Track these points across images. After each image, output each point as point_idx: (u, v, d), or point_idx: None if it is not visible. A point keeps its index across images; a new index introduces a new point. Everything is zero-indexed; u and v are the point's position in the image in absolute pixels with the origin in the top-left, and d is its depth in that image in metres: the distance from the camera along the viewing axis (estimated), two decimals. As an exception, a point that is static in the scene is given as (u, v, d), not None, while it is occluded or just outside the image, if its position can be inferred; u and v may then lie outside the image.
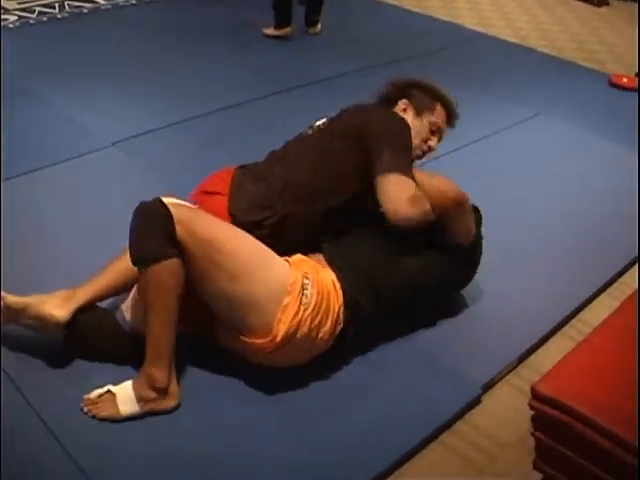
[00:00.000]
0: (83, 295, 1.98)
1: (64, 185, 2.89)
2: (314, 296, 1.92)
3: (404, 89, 2.34)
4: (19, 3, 4.83)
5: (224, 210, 2.08)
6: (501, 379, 2.16)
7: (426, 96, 2.32)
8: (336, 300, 1.98)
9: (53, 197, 2.82)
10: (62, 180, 2.91)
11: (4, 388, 1.92)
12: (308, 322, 1.91)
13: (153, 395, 1.87)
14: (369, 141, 2.11)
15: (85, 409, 1.87)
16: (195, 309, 1.92)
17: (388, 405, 2.01)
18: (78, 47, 4.22)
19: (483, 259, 2.31)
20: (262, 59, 4.25)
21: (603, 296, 2.54)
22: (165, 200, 1.88)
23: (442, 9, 5.52)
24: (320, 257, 2.10)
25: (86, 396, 1.88)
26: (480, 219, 2.30)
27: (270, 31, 4.53)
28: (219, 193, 2.14)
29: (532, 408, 1.67)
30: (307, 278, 1.94)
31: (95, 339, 2.01)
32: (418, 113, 2.29)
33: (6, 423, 1.82)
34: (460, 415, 2.02)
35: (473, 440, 1.96)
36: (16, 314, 1.96)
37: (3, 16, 4.56)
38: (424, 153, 2.30)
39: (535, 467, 1.74)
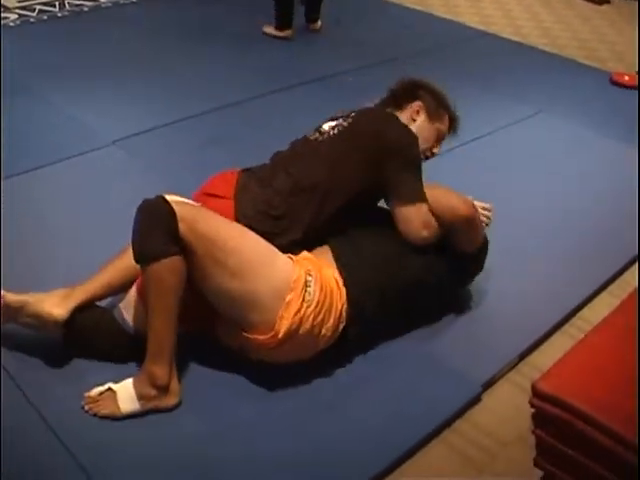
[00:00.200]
0: (82, 294, 1.98)
1: (65, 184, 2.89)
2: (317, 293, 1.92)
3: (416, 91, 2.33)
4: (19, 1, 4.83)
5: (228, 214, 2.05)
6: (502, 377, 2.16)
7: (437, 104, 2.33)
8: (339, 298, 1.99)
9: (54, 196, 2.82)
10: (63, 179, 2.91)
11: (4, 386, 1.92)
12: (310, 319, 1.91)
13: (154, 393, 1.87)
14: (386, 165, 2.12)
15: (86, 407, 1.87)
16: (196, 306, 1.92)
17: (389, 403, 2.01)
18: (78, 46, 4.22)
19: (484, 257, 2.32)
20: (262, 57, 4.24)
21: (604, 294, 2.54)
22: (168, 198, 1.87)
23: (443, 7, 5.52)
24: (325, 254, 2.10)
25: (86, 394, 1.89)
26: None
27: (270, 30, 4.52)
28: (223, 197, 2.13)
29: (533, 406, 1.67)
30: (310, 275, 1.94)
31: (94, 338, 2.01)
32: (430, 119, 2.31)
33: (6, 421, 1.82)
34: (461, 413, 2.02)
35: (474, 438, 1.96)
36: (15, 312, 1.96)
37: (3, 14, 4.55)
38: (427, 158, 2.32)
39: (536, 465, 1.74)
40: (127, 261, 1.98)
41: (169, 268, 1.81)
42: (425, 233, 2.12)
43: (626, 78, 4.26)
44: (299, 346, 1.95)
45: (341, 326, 2.00)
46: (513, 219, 2.79)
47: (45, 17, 4.65)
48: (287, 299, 1.88)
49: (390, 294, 2.08)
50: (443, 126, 2.34)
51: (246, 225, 2.01)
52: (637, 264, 2.70)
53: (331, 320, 1.96)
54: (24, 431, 1.82)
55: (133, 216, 1.88)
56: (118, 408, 1.86)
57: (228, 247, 1.87)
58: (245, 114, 3.52)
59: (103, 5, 4.89)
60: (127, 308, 1.99)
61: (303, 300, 1.90)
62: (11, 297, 1.96)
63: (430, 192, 2.14)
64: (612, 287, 2.58)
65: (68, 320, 1.94)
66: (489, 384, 2.12)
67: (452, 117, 2.36)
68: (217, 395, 1.97)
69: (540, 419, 1.68)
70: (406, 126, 2.23)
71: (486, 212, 2.31)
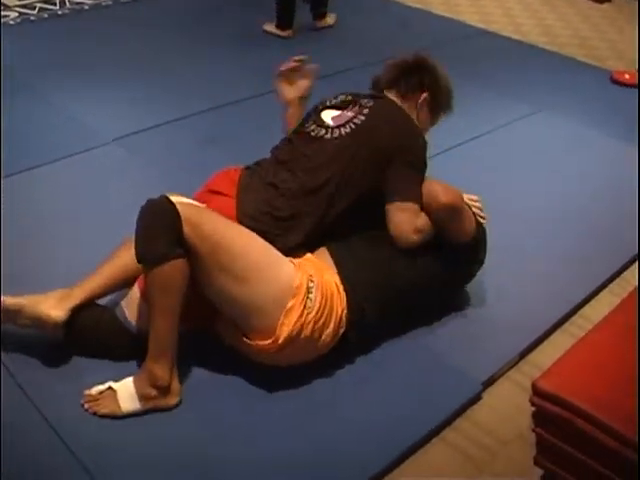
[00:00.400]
0: (80, 294, 1.97)
1: (65, 181, 2.89)
2: (318, 299, 1.92)
3: (423, 79, 2.29)
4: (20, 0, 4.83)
5: (231, 212, 2.05)
6: (502, 375, 2.16)
7: (443, 101, 2.32)
8: (339, 303, 1.99)
9: (53, 193, 2.82)
10: (63, 176, 2.91)
11: (4, 385, 1.92)
12: (311, 325, 1.91)
13: (154, 393, 1.87)
14: (392, 163, 2.11)
15: (86, 405, 1.87)
16: (198, 305, 1.91)
17: (389, 401, 2.01)
18: (79, 44, 4.21)
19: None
20: (262, 55, 4.23)
21: (604, 293, 2.54)
22: (173, 198, 1.85)
23: (443, 5, 5.51)
24: (324, 255, 2.10)
25: (87, 392, 1.88)
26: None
27: (270, 28, 4.51)
28: (226, 194, 2.12)
29: (533, 404, 1.67)
30: (312, 281, 1.93)
31: (94, 336, 2.00)
32: (432, 112, 2.31)
33: (7, 420, 1.82)
34: (461, 411, 2.02)
35: (474, 436, 1.96)
36: (13, 315, 1.95)
37: (3, 12, 4.55)
38: None
39: (536, 463, 1.74)
40: (126, 259, 1.97)
41: (173, 270, 1.80)
42: (415, 237, 2.11)
43: (626, 76, 4.25)
44: (299, 350, 1.95)
45: (341, 331, 2.00)
46: (513, 217, 2.80)
47: (45, 15, 4.64)
48: (288, 306, 1.88)
49: (389, 294, 2.08)
50: (441, 117, 2.36)
51: (248, 224, 2.00)
52: (637, 263, 2.70)
53: (331, 325, 1.96)
54: (24, 430, 1.82)
55: (133, 214, 1.87)
56: (119, 407, 1.85)
57: (233, 251, 1.86)
58: (245, 112, 3.51)
59: (103, 3, 4.88)
60: (129, 306, 1.98)
61: (304, 307, 1.90)
62: (9, 300, 1.94)
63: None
64: (612, 285, 2.58)
65: (67, 321, 1.93)
66: (489, 382, 2.12)
67: (448, 114, 2.37)
68: (217, 395, 1.97)
69: (540, 417, 1.68)
70: (420, 131, 2.23)
71: (475, 203, 2.30)
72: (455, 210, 2.12)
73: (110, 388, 1.87)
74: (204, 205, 2.00)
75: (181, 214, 1.80)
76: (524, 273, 2.52)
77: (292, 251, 2.04)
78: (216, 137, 3.24)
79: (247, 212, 2.06)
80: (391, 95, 2.29)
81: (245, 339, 1.92)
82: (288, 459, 1.81)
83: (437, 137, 2.44)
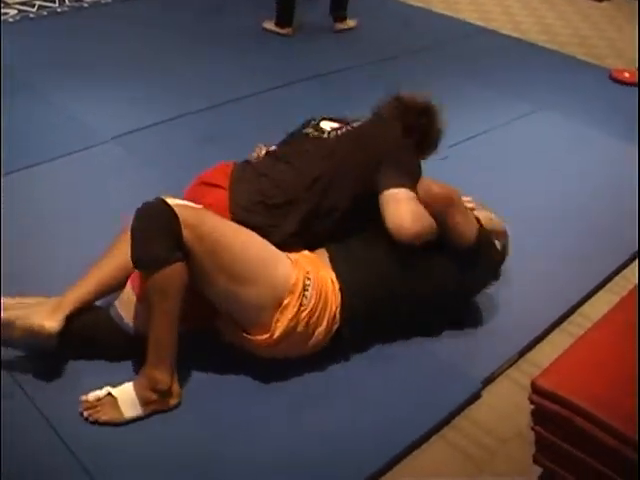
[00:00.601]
0: (72, 302, 1.93)
1: (64, 180, 2.89)
2: (314, 297, 1.94)
3: (420, 121, 2.28)
4: (19, -3, 4.83)
5: (223, 204, 2.06)
6: (501, 374, 2.16)
7: (431, 144, 2.32)
8: (334, 300, 1.99)
9: (53, 192, 2.81)
10: (61, 175, 2.91)
11: (4, 385, 1.92)
12: (305, 321, 1.93)
13: (155, 397, 1.86)
14: (383, 162, 2.13)
15: (85, 413, 1.83)
16: (197, 305, 1.91)
17: (388, 400, 2.01)
18: (78, 42, 4.21)
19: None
20: (261, 53, 4.24)
21: (603, 291, 2.54)
22: (170, 201, 1.83)
23: (442, 3, 5.51)
24: (322, 255, 2.10)
25: (83, 397, 1.84)
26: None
27: (270, 26, 4.51)
28: (219, 186, 2.12)
29: (532, 402, 1.67)
30: (309, 279, 1.94)
31: (91, 340, 1.98)
32: (420, 155, 2.29)
33: (7, 420, 1.81)
34: (460, 410, 2.02)
35: (473, 435, 1.96)
36: (7, 329, 1.89)
37: (3, 10, 4.55)
38: None
39: (535, 461, 1.74)
40: (118, 260, 1.96)
41: (172, 274, 1.78)
42: (412, 227, 2.02)
43: (626, 75, 4.25)
44: (295, 344, 1.97)
45: (334, 327, 2.01)
46: (513, 216, 2.78)
47: (45, 13, 4.64)
48: (284, 303, 1.89)
49: (381, 298, 2.07)
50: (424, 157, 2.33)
51: (241, 216, 2.01)
52: (637, 261, 2.70)
53: (324, 322, 1.97)
54: (24, 430, 1.82)
55: (131, 212, 1.85)
56: (121, 414, 1.83)
57: (232, 250, 1.86)
58: (244, 111, 3.51)
59: (103, 1, 4.88)
60: (123, 306, 1.95)
61: (300, 304, 1.91)
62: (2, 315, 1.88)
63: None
64: (612, 284, 2.58)
65: (61, 331, 1.89)
66: (489, 381, 2.12)
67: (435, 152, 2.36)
68: (217, 395, 1.97)
69: (540, 416, 1.68)
70: (412, 149, 2.23)
71: (469, 204, 2.28)
72: (449, 204, 2.09)
73: (110, 394, 1.84)
74: (200, 206, 1.96)
75: (180, 217, 1.79)
76: (524, 272, 2.52)
77: (288, 245, 2.04)
78: (215, 136, 3.24)
79: (240, 203, 2.06)
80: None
81: (244, 334, 1.93)
82: (288, 458, 1.81)
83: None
